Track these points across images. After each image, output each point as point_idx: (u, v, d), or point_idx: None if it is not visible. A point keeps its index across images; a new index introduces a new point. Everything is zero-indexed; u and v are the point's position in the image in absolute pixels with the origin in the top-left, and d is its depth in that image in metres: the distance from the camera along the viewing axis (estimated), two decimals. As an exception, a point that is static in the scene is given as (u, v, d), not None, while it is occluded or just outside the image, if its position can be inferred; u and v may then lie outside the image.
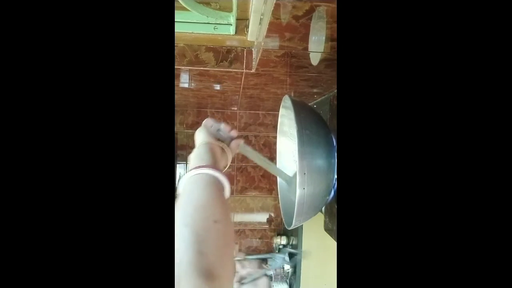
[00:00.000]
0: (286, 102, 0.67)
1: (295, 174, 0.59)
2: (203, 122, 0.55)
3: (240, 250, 1.69)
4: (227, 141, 0.55)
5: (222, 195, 0.39)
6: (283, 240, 1.63)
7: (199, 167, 0.41)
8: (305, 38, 0.57)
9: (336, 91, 0.87)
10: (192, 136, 0.54)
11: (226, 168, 0.51)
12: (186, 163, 1.57)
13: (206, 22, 0.63)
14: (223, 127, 0.55)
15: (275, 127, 0.73)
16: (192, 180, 0.39)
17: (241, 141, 0.57)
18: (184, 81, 0.98)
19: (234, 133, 0.55)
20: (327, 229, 0.78)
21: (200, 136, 0.52)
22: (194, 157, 0.46)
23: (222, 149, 0.51)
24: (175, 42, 0.68)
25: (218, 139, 0.53)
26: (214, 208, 0.35)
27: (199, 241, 0.31)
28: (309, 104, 1.10)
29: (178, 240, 0.30)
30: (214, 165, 0.43)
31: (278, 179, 0.77)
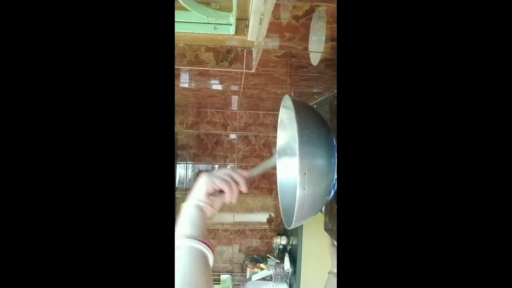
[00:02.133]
0: (287, 102, 0.67)
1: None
2: (218, 174, 0.57)
3: (240, 251, 1.69)
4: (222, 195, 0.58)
5: (207, 272, 0.43)
6: (283, 240, 1.63)
7: (191, 237, 0.45)
8: (305, 38, 0.57)
9: (336, 91, 0.87)
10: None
11: (214, 216, 0.56)
12: (186, 163, 1.57)
13: (206, 22, 0.63)
14: (228, 195, 0.57)
15: (275, 127, 0.73)
16: (184, 254, 0.43)
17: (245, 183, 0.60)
18: (184, 81, 0.98)
19: (233, 199, 0.58)
20: (327, 229, 0.78)
21: (201, 189, 0.55)
22: (188, 220, 0.50)
23: (212, 206, 0.55)
24: (175, 42, 0.68)
25: (215, 190, 0.56)
26: (200, 286, 0.40)
27: None
28: (309, 104, 1.10)
29: None
30: (204, 238, 0.47)
31: (278, 179, 0.77)
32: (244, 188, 0.59)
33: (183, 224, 0.49)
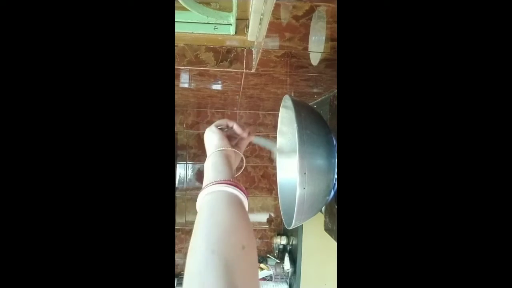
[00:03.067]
0: (287, 102, 0.67)
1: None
2: (215, 122, 0.55)
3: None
4: (238, 140, 0.56)
5: (246, 217, 0.37)
6: (283, 240, 1.63)
7: (219, 182, 0.39)
8: (305, 38, 0.57)
9: (336, 91, 0.87)
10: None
11: (241, 170, 0.52)
12: (186, 163, 1.57)
13: (206, 22, 0.63)
14: (236, 127, 0.55)
15: (275, 127, 0.73)
16: (213, 199, 0.37)
17: (253, 138, 0.58)
18: (184, 81, 0.98)
19: (245, 133, 0.56)
20: (327, 229, 0.78)
21: (214, 139, 0.51)
22: (211, 168, 0.44)
23: (235, 152, 0.51)
24: (175, 42, 0.68)
25: (230, 140, 0.53)
26: (241, 232, 0.33)
27: (230, 272, 0.28)
28: (309, 104, 1.10)
29: (204, 267, 0.28)
30: (233, 180, 0.41)
31: (278, 179, 0.77)
32: (245, 133, 0.56)
33: (207, 175, 0.43)
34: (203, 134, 0.54)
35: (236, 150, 0.52)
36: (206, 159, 0.48)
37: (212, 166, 0.45)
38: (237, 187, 0.39)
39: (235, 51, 0.73)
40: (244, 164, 0.53)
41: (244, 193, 0.39)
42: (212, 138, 0.51)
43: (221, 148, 0.48)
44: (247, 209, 0.39)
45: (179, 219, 1.59)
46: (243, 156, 0.54)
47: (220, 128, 0.54)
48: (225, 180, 0.40)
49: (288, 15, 0.48)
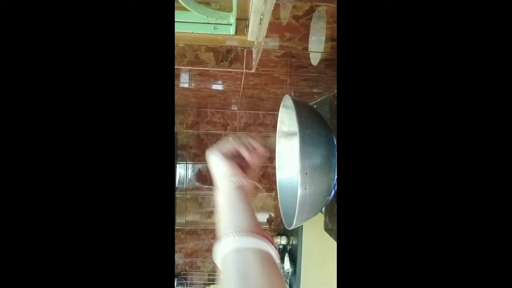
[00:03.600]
0: (287, 101, 0.67)
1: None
2: (220, 147, 0.45)
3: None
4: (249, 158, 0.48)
5: (283, 280, 0.33)
6: (283, 240, 1.63)
7: (246, 234, 0.33)
8: (305, 38, 0.57)
9: (336, 91, 0.87)
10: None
11: (253, 192, 0.46)
12: (186, 163, 1.57)
13: (206, 22, 0.63)
14: (245, 154, 0.47)
15: (275, 127, 0.73)
16: (244, 261, 0.32)
17: (265, 156, 0.51)
18: (184, 81, 0.98)
19: (257, 159, 0.48)
20: (327, 229, 0.78)
21: (220, 166, 0.43)
22: (228, 207, 0.38)
23: (246, 178, 0.44)
24: (175, 42, 0.68)
25: (238, 158, 0.46)
26: None
27: None
28: (309, 104, 1.10)
29: None
30: (260, 228, 0.35)
31: (277, 179, 0.77)
32: (262, 149, 0.48)
33: (225, 215, 0.37)
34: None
35: (249, 180, 0.44)
36: (215, 188, 0.41)
37: (228, 205, 0.38)
38: (266, 238, 0.34)
39: (235, 51, 0.73)
40: (258, 192, 0.48)
41: (271, 243, 0.34)
42: (217, 164, 0.44)
43: (234, 180, 0.41)
44: (278, 262, 0.35)
45: (179, 219, 1.59)
46: (258, 185, 0.46)
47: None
48: (251, 230, 0.34)
49: (288, 15, 0.48)
